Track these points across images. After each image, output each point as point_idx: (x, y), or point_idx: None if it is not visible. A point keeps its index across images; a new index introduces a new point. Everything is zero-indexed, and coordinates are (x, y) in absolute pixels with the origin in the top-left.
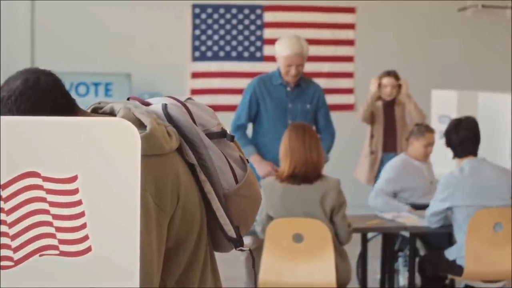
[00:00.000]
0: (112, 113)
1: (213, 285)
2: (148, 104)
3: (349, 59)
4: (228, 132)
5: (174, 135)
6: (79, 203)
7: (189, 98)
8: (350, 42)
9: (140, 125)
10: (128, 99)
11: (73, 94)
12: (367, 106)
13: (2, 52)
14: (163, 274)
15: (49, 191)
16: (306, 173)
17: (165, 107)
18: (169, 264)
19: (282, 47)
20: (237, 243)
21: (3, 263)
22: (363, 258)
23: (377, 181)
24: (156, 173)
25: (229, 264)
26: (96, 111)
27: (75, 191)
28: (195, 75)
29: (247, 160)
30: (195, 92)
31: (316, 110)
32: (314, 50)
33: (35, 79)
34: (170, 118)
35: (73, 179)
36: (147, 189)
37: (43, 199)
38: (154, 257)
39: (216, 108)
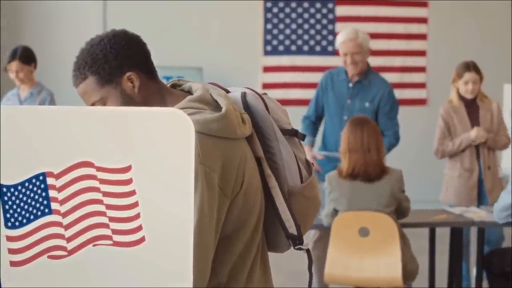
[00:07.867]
0: (189, 92)
1: (263, 285)
2: (226, 91)
3: (421, 53)
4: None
5: (248, 123)
6: (132, 193)
7: (264, 93)
8: (422, 36)
9: (216, 106)
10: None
11: None
12: (454, 151)
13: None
14: (216, 263)
15: (103, 181)
16: (367, 173)
17: (244, 95)
18: (223, 253)
19: (338, 37)
20: (297, 240)
21: (57, 252)
22: (431, 253)
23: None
24: (224, 155)
25: (295, 258)
26: (175, 87)
27: (128, 181)
28: (267, 69)
29: (312, 164)
30: (266, 86)
31: (377, 109)
32: (386, 44)
33: (123, 30)
34: (247, 106)
35: (126, 169)
36: (214, 169)
37: (96, 189)
38: (212, 234)
39: (288, 102)
